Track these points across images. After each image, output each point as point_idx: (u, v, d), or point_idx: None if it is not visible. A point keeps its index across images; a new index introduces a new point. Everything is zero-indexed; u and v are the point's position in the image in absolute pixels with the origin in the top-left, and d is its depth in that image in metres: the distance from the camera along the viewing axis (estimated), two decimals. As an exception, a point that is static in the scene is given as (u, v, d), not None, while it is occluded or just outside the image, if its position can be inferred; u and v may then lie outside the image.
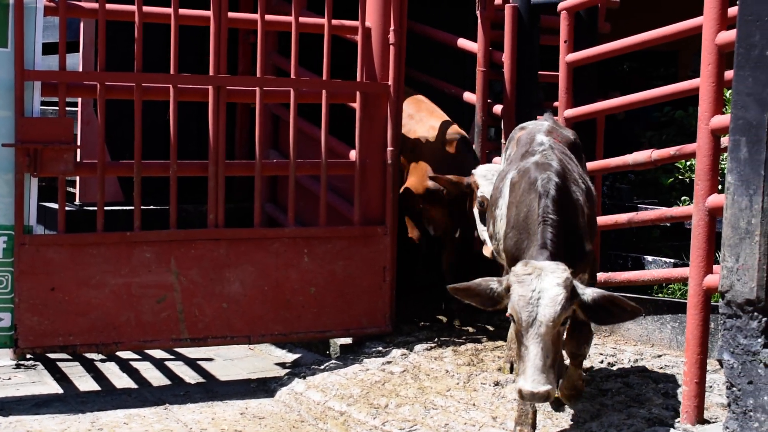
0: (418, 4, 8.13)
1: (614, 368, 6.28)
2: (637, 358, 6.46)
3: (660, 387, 5.80)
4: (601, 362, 6.40)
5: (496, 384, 5.96)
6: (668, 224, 8.23)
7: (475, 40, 8.04)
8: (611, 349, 6.71)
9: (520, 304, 4.40)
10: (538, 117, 7.80)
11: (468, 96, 8.16)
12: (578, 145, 5.89)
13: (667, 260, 7.77)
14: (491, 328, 7.31)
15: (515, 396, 5.54)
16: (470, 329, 7.32)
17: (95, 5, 6.59)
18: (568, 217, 4.92)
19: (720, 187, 5.41)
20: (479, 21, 7.90)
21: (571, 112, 7.28)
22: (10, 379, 6.63)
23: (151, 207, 7.55)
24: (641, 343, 6.86)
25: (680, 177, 8.21)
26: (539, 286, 4.40)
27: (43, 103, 6.56)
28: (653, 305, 6.88)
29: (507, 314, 4.53)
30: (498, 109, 7.88)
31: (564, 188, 4.96)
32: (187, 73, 6.85)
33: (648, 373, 6.12)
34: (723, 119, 5.24)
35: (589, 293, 4.52)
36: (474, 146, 7.87)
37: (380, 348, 6.81)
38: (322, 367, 6.61)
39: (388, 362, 6.49)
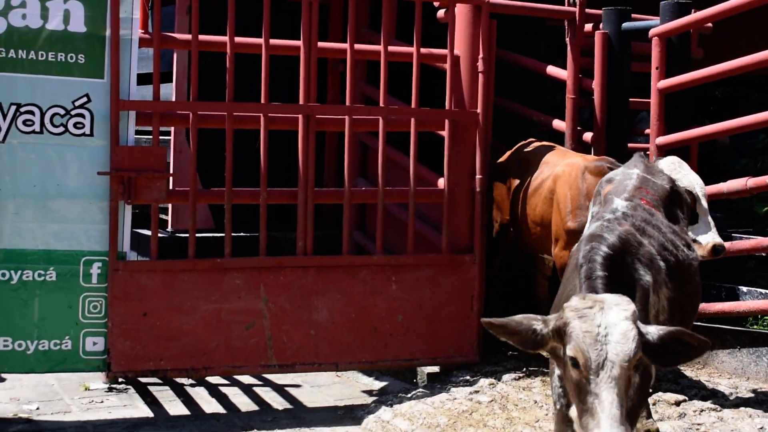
0: (507, 33, 8.10)
1: (708, 402, 6.13)
2: (732, 391, 6.30)
3: (756, 422, 5.64)
4: (695, 395, 6.26)
5: (586, 415, 5.85)
6: (764, 254, 8.04)
7: (558, 66, 8.01)
8: (705, 381, 6.56)
9: (587, 342, 3.57)
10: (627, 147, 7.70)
11: (557, 123, 8.10)
12: (675, 193, 5.20)
13: (763, 291, 7.56)
14: (581, 359, 7.18)
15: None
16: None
17: (188, 37, 6.71)
18: None
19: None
20: (569, 48, 7.84)
21: (663, 140, 7.17)
22: (102, 402, 6.75)
23: (241, 234, 7.63)
24: (736, 376, 6.69)
25: (776, 206, 8.02)
26: (604, 321, 3.60)
27: (136, 132, 6.70)
28: (749, 337, 6.71)
29: (559, 355, 3.74)
30: (588, 136, 7.81)
31: (618, 263, 4.12)
32: (276, 102, 6.92)
33: (744, 407, 5.95)
34: (821, 146, 5.12)
35: (653, 331, 3.70)
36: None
37: (468, 377, 6.77)
38: (409, 395, 6.59)
39: (476, 391, 6.44)
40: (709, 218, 5.57)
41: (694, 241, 5.49)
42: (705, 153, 7.62)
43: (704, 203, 5.53)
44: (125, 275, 6.40)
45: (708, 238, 5.53)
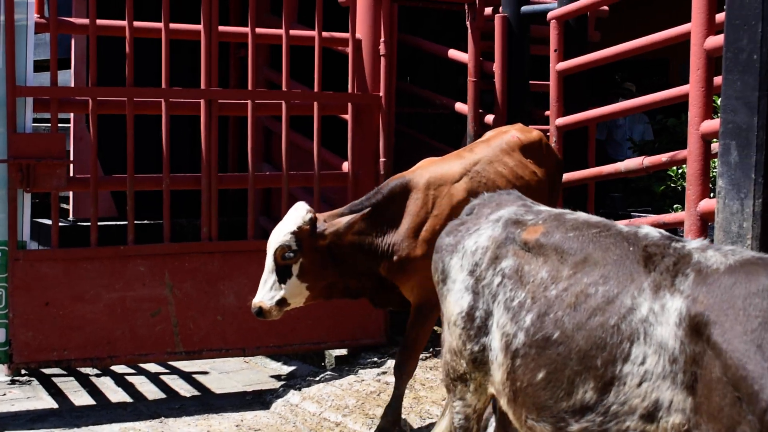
0: (410, 17, 8.16)
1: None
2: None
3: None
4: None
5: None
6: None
7: (460, 49, 8.09)
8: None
9: None
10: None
11: (460, 106, 8.18)
12: None
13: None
14: (486, 338, 7.29)
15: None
16: (465, 339, 7.31)
17: (86, 21, 6.61)
18: None
19: (711, 193, 5.44)
20: (469, 31, 7.92)
21: (562, 121, 7.29)
22: (5, 394, 6.62)
23: (145, 222, 7.55)
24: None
25: (672, 185, 8.21)
26: None
27: (36, 121, 6.57)
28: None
29: None
30: (490, 119, 7.90)
31: None
32: (178, 87, 6.86)
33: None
34: (713, 124, 5.28)
35: None
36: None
37: (375, 359, 6.82)
38: (318, 378, 6.61)
39: (383, 372, 6.49)
40: (266, 276, 5.29)
41: None
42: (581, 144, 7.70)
43: (268, 259, 5.28)
44: (26, 264, 6.28)
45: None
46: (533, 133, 6.20)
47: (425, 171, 5.65)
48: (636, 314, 3.01)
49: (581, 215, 3.55)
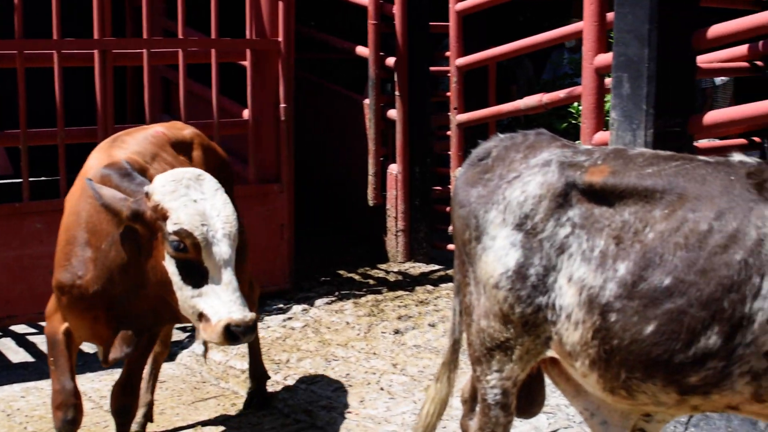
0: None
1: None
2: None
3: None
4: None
5: (396, 332, 5.99)
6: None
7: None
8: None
9: None
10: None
11: (361, 50, 8.12)
12: None
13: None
14: (391, 279, 7.33)
15: (414, 343, 5.60)
16: (370, 281, 7.33)
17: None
18: None
19: (605, 126, 5.51)
20: (368, -26, 7.85)
21: (462, 61, 7.29)
22: None
23: (42, 179, 7.37)
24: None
25: (573, 122, 8.28)
26: None
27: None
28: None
29: None
30: (391, 61, 7.86)
31: None
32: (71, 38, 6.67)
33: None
34: (606, 57, 5.32)
35: None
36: (368, 100, 7.84)
37: (281, 305, 6.80)
38: (224, 327, 6.55)
39: (289, 318, 6.48)
40: (228, 277, 3.58)
41: (201, 315, 3.59)
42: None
43: (223, 251, 3.60)
44: None
45: (220, 313, 3.52)
46: (185, 131, 4.94)
47: (95, 160, 4.25)
48: (765, 245, 2.77)
49: (645, 150, 3.18)
